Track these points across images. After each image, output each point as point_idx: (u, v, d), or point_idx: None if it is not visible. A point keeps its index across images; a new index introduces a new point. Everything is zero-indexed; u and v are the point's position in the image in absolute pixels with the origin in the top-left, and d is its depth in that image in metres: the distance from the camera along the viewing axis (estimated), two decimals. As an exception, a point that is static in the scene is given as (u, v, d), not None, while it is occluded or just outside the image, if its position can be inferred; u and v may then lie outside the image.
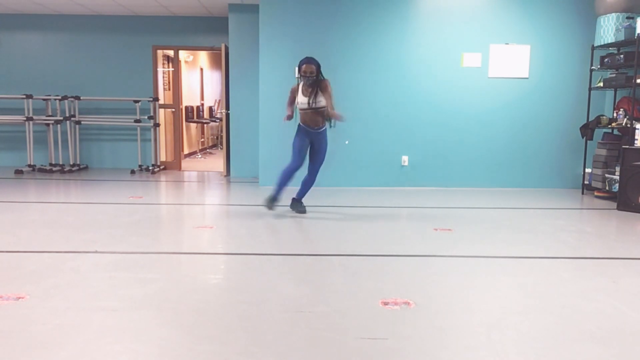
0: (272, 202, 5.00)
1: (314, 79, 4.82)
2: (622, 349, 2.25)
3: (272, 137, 6.92)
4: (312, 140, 4.98)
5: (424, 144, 6.94)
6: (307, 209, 5.20)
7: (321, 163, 5.09)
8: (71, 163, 8.45)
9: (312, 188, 5.28)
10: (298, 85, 4.96)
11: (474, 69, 6.84)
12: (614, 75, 6.16)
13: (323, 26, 6.76)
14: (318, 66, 4.86)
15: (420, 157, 6.96)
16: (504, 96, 6.90)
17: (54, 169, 8.12)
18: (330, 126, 5.00)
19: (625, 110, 6.06)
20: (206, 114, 12.39)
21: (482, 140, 6.95)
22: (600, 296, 2.90)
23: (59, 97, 8.15)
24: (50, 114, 8.30)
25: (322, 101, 4.81)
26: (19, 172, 7.90)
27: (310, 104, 4.83)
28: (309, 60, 4.83)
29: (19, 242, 3.87)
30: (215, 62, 13.22)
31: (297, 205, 5.17)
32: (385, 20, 6.77)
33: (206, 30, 8.59)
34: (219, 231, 4.40)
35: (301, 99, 4.88)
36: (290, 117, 5.01)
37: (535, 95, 6.91)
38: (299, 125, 4.99)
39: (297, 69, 4.97)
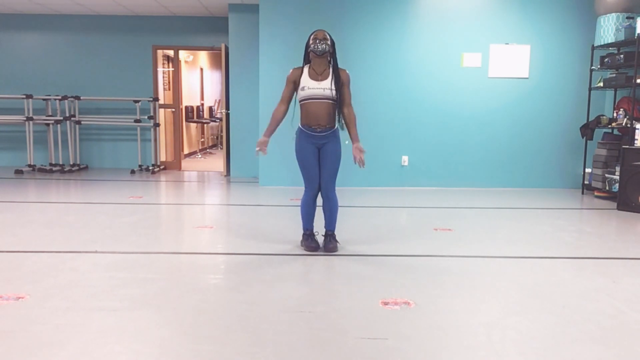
0: (309, 241, 3.80)
1: (327, 48, 3.59)
2: (622, 349, 2.25)
3: (272, 136, 6.90)
4: (319, 146, 3.69)
5: (424, 144, 6.94)
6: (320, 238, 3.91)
7: (331, 178, 3.70)
8: (71, 163, 8.45)
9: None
10: (301, 68, 3.68)
11: (474, 69, 6.84)
12: (614, 75, 6.15)
13: (323, 26, 6.73)
14: (332, 40, 3.66)
15: (420, 157, 6.96)
16: (504, 96, 6.90)
17: (54, 169, 8.11)
18: (342, 128, 3.74)
19: (625, 110, 6.06)
20: (206, 114, 12.39)
21: (482, 140, 6.95)
22: (600, 296, 2.90)
23: (59, 97, 8.14)
24: (50, 114, 8.30)
25: (334, 90, 3.60)
26: (19, 172, 7.90)
27: (325, 90, 3.57)
28: (320, 29, 3.70)
29: (19, 242, 3.87)
30: (215, 62, 13.22)
31: (325, 239, 3.82)
32: (386, 20, 6.77)
33: (206, 30, 8.59)
34: (219, 231, 4.39)
35: (308, 83, 3.59)
36: (264, 145, 3.71)
37: (535, 95, 6.90)
38: (300, 129, 3.70)
39: (305, 47, 3.68)
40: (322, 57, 3.62)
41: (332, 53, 3.67)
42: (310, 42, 3.62)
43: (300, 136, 3.70)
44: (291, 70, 3.69)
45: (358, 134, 3.75)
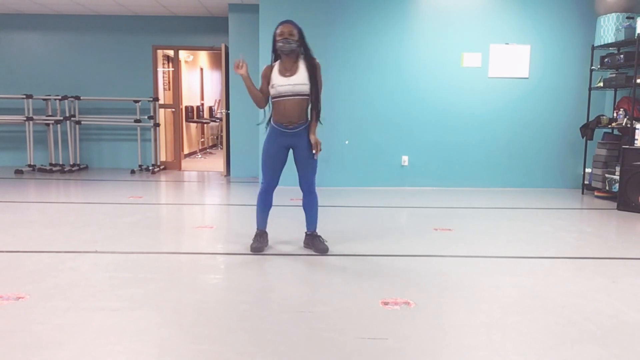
0: (259, 241, 3.77)
1: (295, 46, 3.44)
2: (622, 349, 2.25)
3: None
4: (291, 145, 3.59)
5: (424, 144, 6.94)
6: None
7: (314, 173, 3.66)
8: (71, 163, 8.45)
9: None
10: (272, 66, 3.56)
11: (474, 69, 6.84)
12: (614, 75, 6.15)
13: (322, 26, 6.75)
14: (300, 31, 3.48)
15: (420, 157, 6.96)
16: (504, 96, 6.90)
17: (54, 169, 8.11)
18: (319, 122, 3.63)
19: (625, 110, 6.06)
20: (206, 114, 12.39)
21: (482, 140, 6.95)
22: (600, 296, 2.90)
23: (59, 97, 8.14)
24: (50, 114, 8.30)
25: (307, 85, 3.48)
26: (19, 172, 7.90)
27: (295, 86, 3.46)
28: (286, 21, 3.48)
29: (19, 242, 3.87)
30: (215, 62, 13.22)
31: (315, 241, 3.75)
32: (385, 20, 6.76)
33: (206, 30, 8.59)
34: (219, 231, 4.39)
35: (278, 80, 3.47)
36: (243, 68, 3.51)
37: (535, 95, 6.90)
38: (271, 125, 3.61)
39: (272, 43, 3.48)
40: (290, 54, 3.48)
41: (302, 44, 3.50)
42: (277, 39, 3.43)
43: (271, 133, 3.60)
44: (264, 67, 3.58)
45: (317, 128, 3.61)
